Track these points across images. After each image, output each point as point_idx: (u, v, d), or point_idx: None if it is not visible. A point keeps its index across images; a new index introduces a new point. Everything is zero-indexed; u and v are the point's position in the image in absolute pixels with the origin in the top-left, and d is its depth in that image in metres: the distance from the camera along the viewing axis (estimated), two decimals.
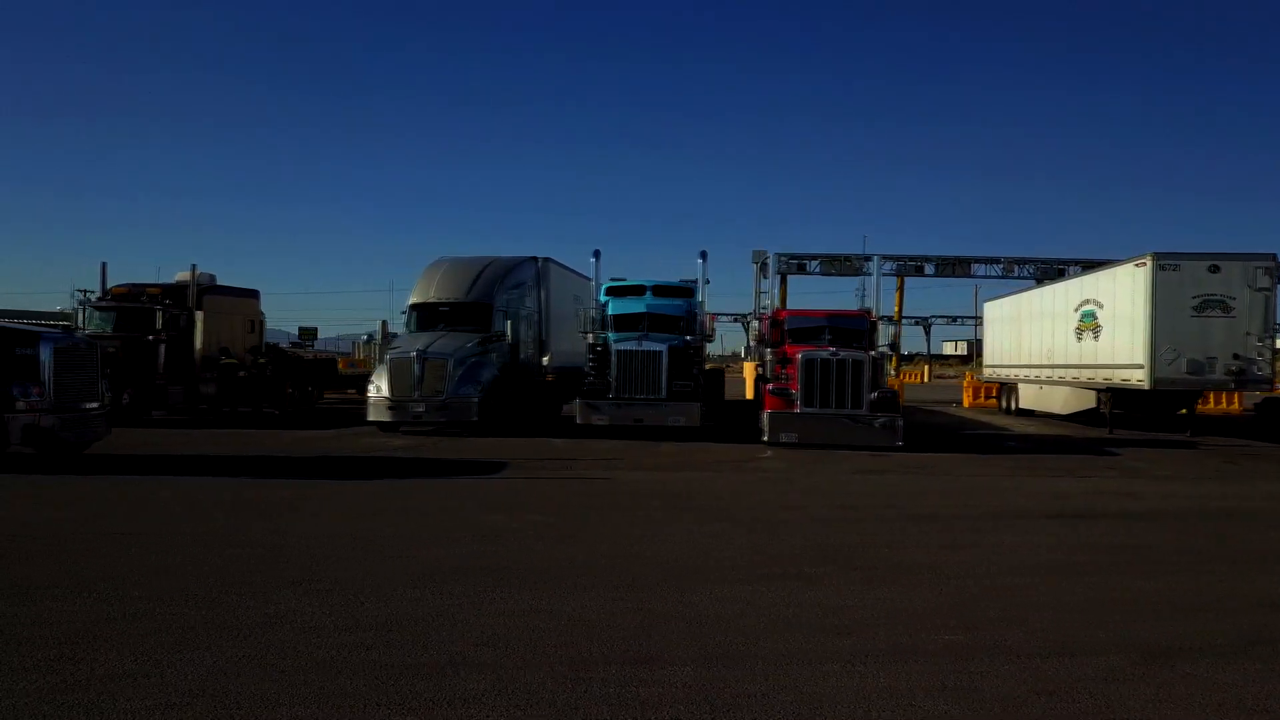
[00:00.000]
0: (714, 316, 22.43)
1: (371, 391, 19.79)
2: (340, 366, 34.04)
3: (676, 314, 21.12)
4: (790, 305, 22.78)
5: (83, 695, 4.47)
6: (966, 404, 36.19)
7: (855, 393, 17.85)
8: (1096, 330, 24.19)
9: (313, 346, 50.17)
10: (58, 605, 6.00)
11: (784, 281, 40.48)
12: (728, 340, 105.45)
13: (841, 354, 18.04)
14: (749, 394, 33.15)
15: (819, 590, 6.82)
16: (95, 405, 14.31)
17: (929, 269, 40.48)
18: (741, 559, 7.90)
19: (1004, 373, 32.37)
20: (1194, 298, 21.07)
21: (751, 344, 21.18)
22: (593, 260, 22.30)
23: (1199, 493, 13.02)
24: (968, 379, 41.62)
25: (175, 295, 22.87)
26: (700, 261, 22.06)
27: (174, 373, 22.07)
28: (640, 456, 16.03)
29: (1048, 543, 9.04)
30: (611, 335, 20.63)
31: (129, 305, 21.98)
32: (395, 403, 19.32)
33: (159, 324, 21.66)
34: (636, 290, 22.26)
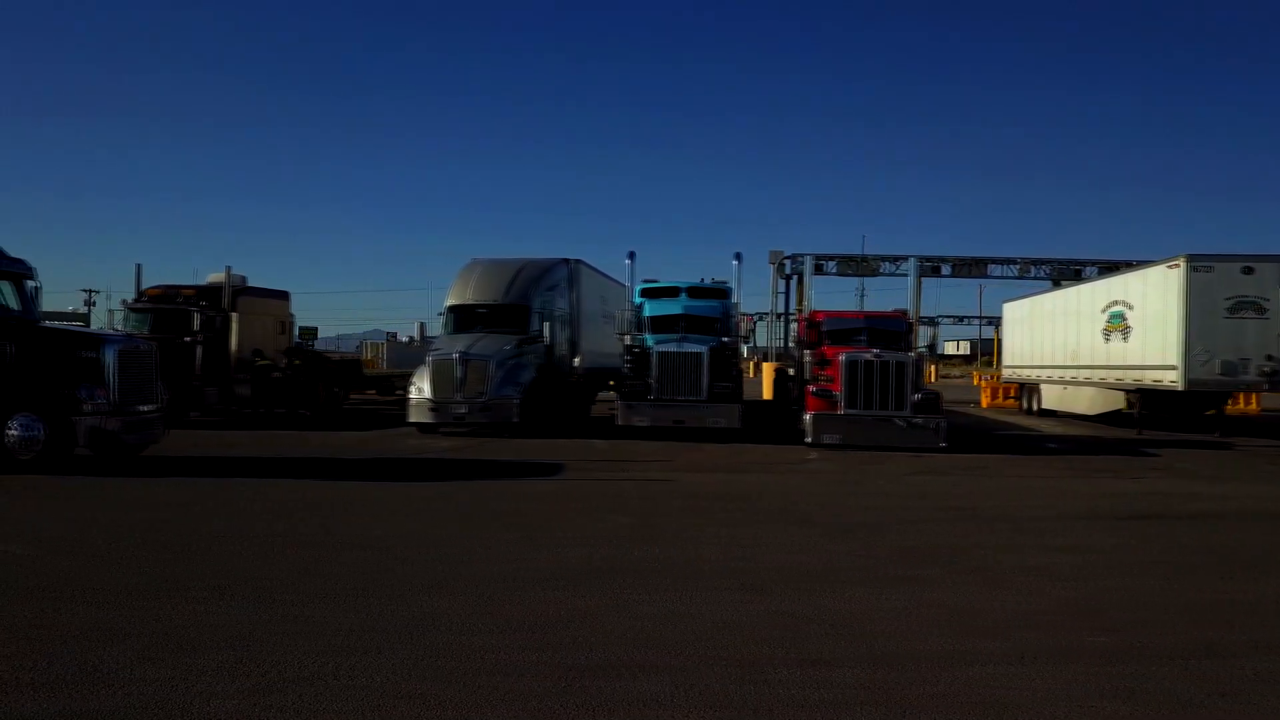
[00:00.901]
0: (750, 318, 22.52)
1: (413, 393, 19.84)
2: (368, 367, 34.04)
3: (713, 315, 21.20)
4: (811, 306, 22.77)
5: (281, 698, 4.54)
6: (985, 404, 36.29)
7: (898, 394, 17.94)
8: (1125, 331, 24.32)
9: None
10: (206, 608, 6.06)
11: (801, 282, 40.51)
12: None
13: (885, 355, 18.13)
14: (766, 394, 33.29)
15: (940, 592, 6.91)
16: (153, 407, 14.35)
17: (945, 269, 40.68)
18: (847, 562, 7.99)
19: (1025, 373, 32.49)
20: (1227, 299, 21.21)
21: (789, 345, 21.25)
22: (627, 262, 22.37)
23: (1256, 493, 13.13)
24: (983, 378, 41.77)
25: (210, 297, 22.90)
26: (735, 263, 22.17)
27: (209, 374, 22.09)
28: (690, 458, 16.11)
29: (1139, 544, 9.13)
30: (649, 337, 20.72)
31: (166, 307, 22.01)
32: (437, 404, 19.38)
33: (196, 325, 21.69)
34: (671, 292, 22.35)
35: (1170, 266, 21.86)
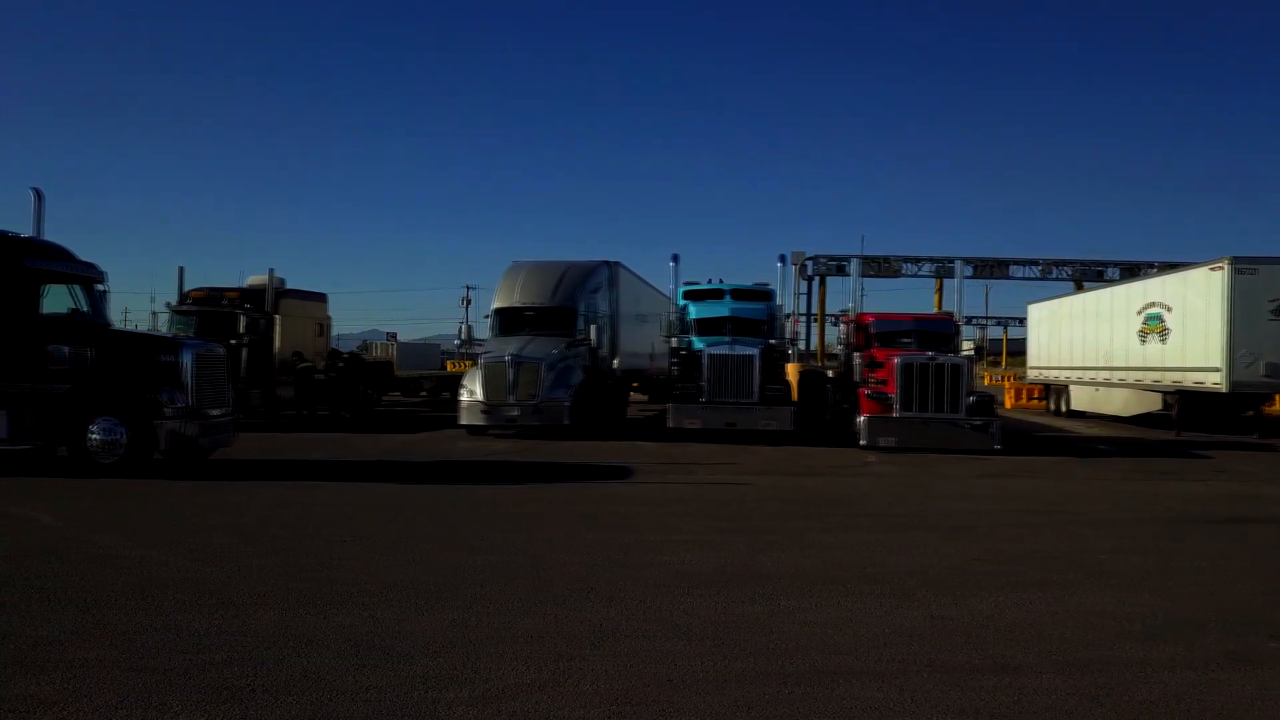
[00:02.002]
0: (797, 320, 22.61)
1: (464, 395, 19.87)
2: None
3: (759, 317, 21.29)
4: (858, 308, 22.82)
5: (510, 705, 4.58)
6: (1009, 405, 36.36)
7: (953, 396, 18.01)
8: (1163, 333, 24.42)
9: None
10: (386, 612, 6.10)
11: (823, 283, 40.74)
12: None
13: (940, 358, 18.21)
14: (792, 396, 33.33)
15: (1084, 597, 6.96)
16: (224, 411, 14.38)
17: (967, 270, 40.67)
18: (975, 566, 8.04)
19: (1053, 374, 32.58)
20: (1271, 301, 21.32)
21: (838, 347, 21.34)
22: (671, 264, 22.43)
23: None
24: (1005, 378, 41.87)
25: (253, 299, 22.94)
26: (779, 265, 22.26)
27: (253, 377, 22.12)
28: (752, 461, 16.16)
29: (1247, 548, 9.21)
30: (695, 339, 20.79)
31: (211, 309, 22.05)
32: (489, 406, 19.41)
33: (241, 328, 21.72)
34: (716, 294, 22.42)
35: (1213, 269, 21.96)
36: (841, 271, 40.14)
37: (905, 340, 20.40)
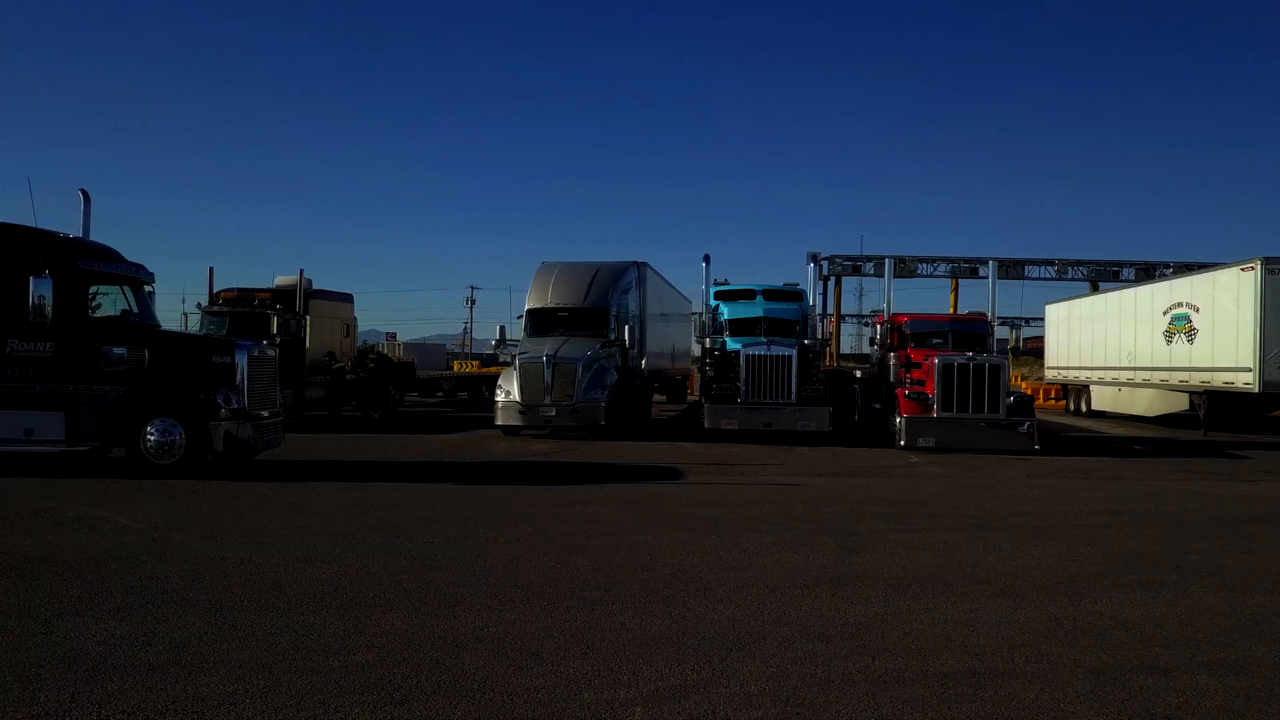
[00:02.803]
0: (831, 320, 22.58)
1: (500, 396, 19.86)
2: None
3: (792, 318, 21.31)
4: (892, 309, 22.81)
5: (681, 705, 4.57)
6: None
7: (992, 397, 18.04)
8: (1191, 334, 24.47)
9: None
10: (512, 614, 6.08)
11: (839, 283, 40.79)
12: None
13: (979, 358, 18.23)
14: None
15: (1198, 597, 6.96)
16: (274, 412, 14.35)
17: (983, 271, 40.73)
18: (1072, 567, 8.02)
19: (1072, 374, 32.66)
20: None
21: (871, 348, 21.38)
22: (703, 265, 22.41)
23: None
24: (1016, 378, 41.91)
25: (283, 300, 22.89)
26: (811, 266, 22.27)
27: (285, 377, 22.02)
28: (797, 462, 16.16)
29: None
30: (730, 339, 20.80)
31: (244, 310, 22.00)
32: (526, 406, 19.41)
33: (273, 329, 21.67)
34: (747, 294, 22.44)
35: (1244, 269, 22.01)
36: (857, 271, 40.19)
37: (938, 341, 20.45)
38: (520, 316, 22.03)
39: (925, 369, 18.84)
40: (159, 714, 4.34)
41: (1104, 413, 30.15)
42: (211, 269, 23.15)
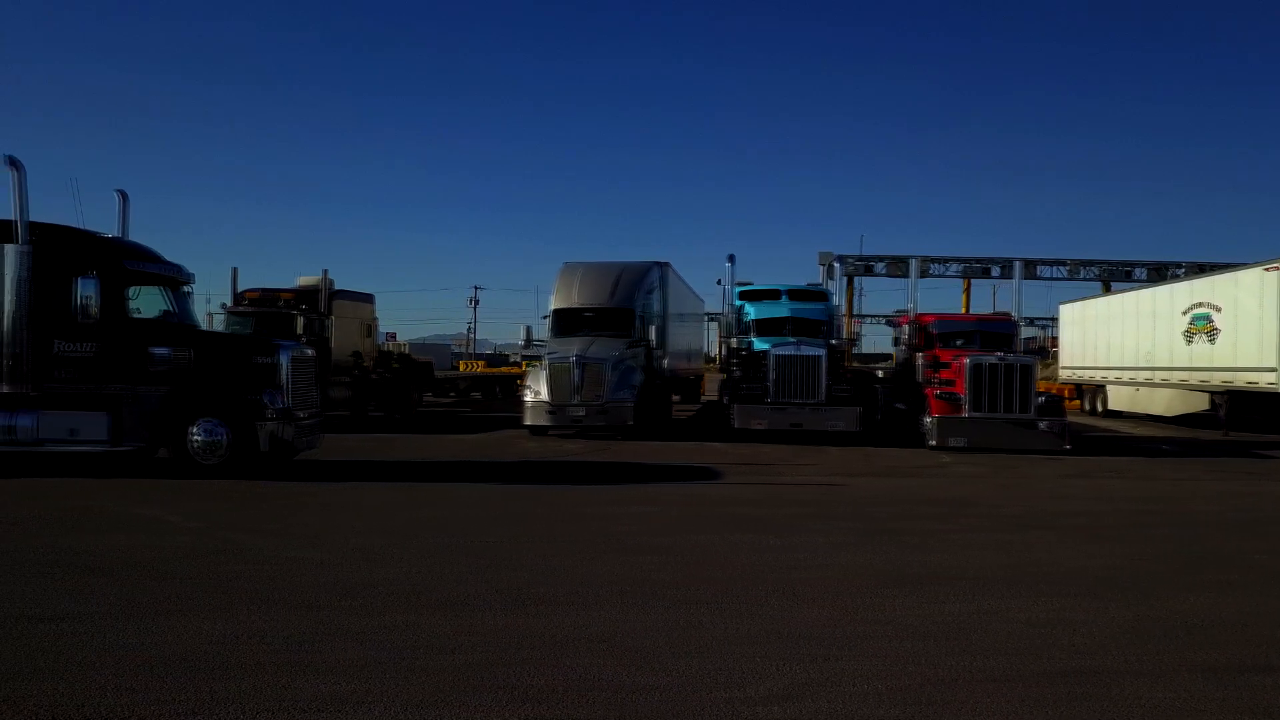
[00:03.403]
0: (859, 321, 22.60)
1: (528, 396, 19.87)
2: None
3: (818, 318, 21.35)
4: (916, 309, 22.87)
5: (810, 705, 4.59)
6: None
7: (1023, 397, 18.08)
8: (1212, 333, 24.51)
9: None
10: (605, 613, 6.10)
11: (851, 283, 40.96)
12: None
13: (1009, 358, 18.28)
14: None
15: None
16: (314, 413, 14.37)
17: (995, 271, 40.97)
18: (1144, 566, 8.06)
19: (1087, 374, 32.68)
20: None
21: (901, 348, 21.44)
22: (727, 265, 22.49)
23: None
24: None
25: (307, 300, 22.90)
26: (836, 265, 22.30)
27: None
28: (830, 462, 16.19)
29: None
30: (756, 339, 20.83)
31: (269, 311, 22.00)
32: (555, 406, 19.42)
33: (299, 329, 21.67)
34: (772, 294, 22.48)
35: (1268, 269, 22.04)
36: (870, 272, 40.26)
37: (961, 341, 20.50)
38: (545, 317, 22.05)
39: (954, 369, 18.87)
40: (301, 711, 4.35)
41: (1120, 412, 30.20)
42: (235, 269, 23.15)
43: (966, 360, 18.20)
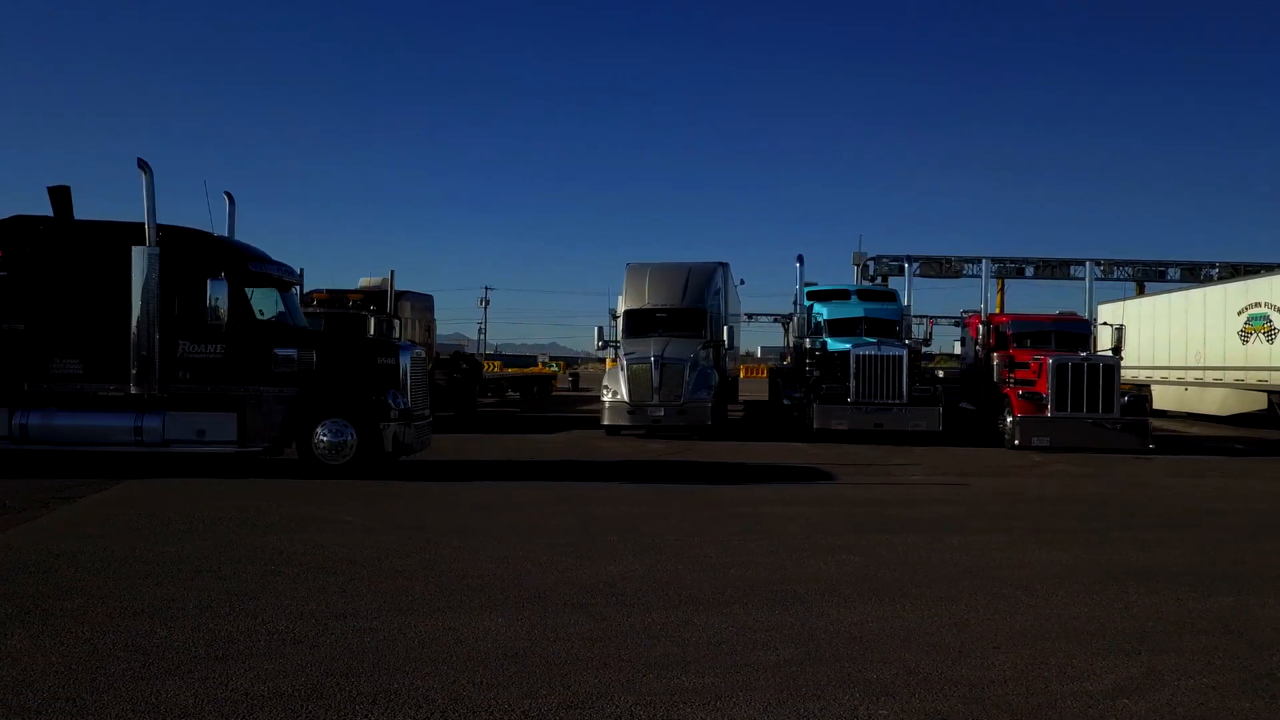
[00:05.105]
0: (931, 321, 22.79)
1: (607, 396, 19.95)
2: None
3: (892, 318, 21.46)
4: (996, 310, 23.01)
5: (1137, 702, 4.69)
6: None
7: (1106, 396, 18.21)
8: (1270, 333, 24.70)
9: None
10: (817, 609, 6.21)
11: (885, 283, 40.88)
12: (765, 338, 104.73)
13: (1092, 358, 18.42)
14: None
15: None
16: (426, 413, 14.42)
17: (1029, 271, 41.19)
18: None
19: (1130, 374, 32.73)
20: None
21: (976, 348, 21.54)
22: (797, 265, 22.57)
23: None
24: None
25: (374, 300, 22.94)
26: (907, 265, 22.41)
27: None
28: (928, 462, 16.27)
29: None
30: (831, 339, 20.93)
31: (340, 312, 22.01)
32: (635, 406, 19.51)
33: (371, 331, 21.71)
34: (841, 294, 22.59)
35: None
36: (902, 272, 40.26)
37: (1031, 341, 20.62)
38: (616, 317, 22.12)
39: (1034, 369, 19.00)
40: (675, 706, 4.43)
41: (1165, 411, 30.34)
42: (301, 270, 23.06)
43: (1050, 360, 18.33)
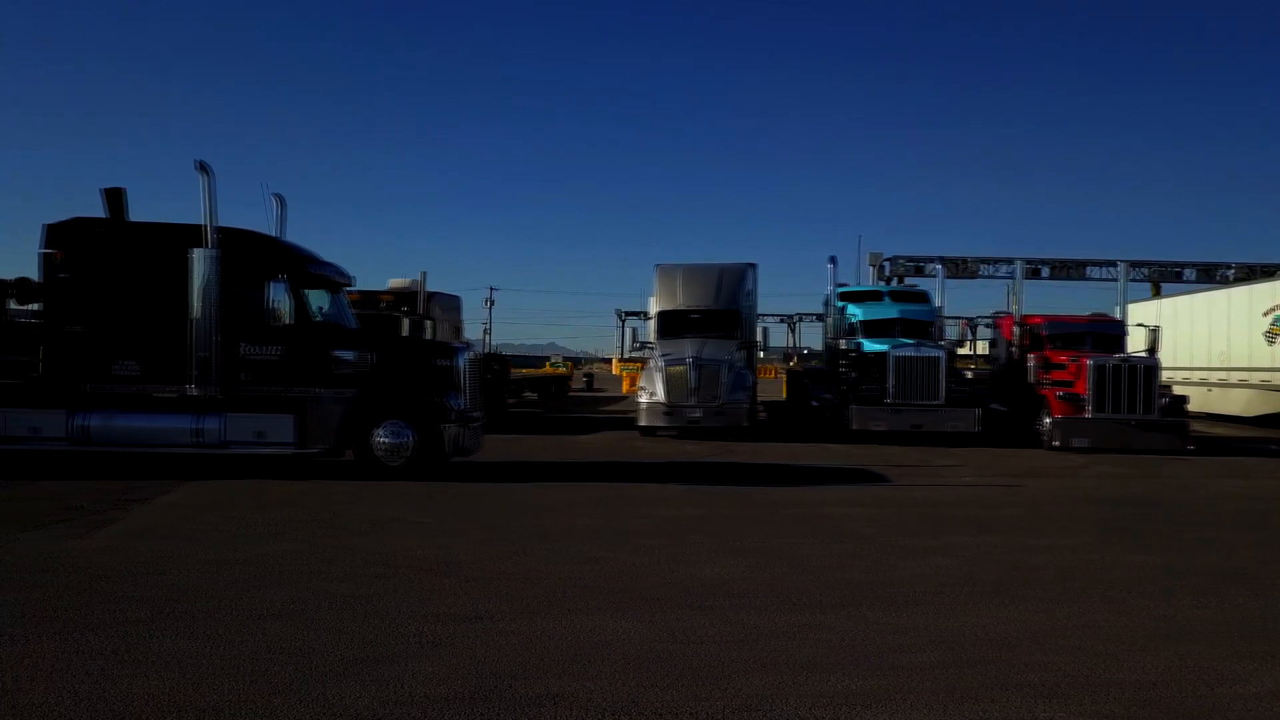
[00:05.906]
0: (966, 322, 22.80)
1: (643, 397, 19.95)
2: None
3: (927, 319, 21.50)
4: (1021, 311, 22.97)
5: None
6: None
7: (1146, 398, 18.26)
8: None
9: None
10: (993, 612, 6.24)
11: (901, 284, 40.97)
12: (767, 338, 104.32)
13: (1131, 359, 18.48)
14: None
15: None
16: (480, 415, 14.43)
17: (1045, 271, 41.23)
18: None
19: None
20: None
21: (1011, 349, 21.56)
22: (829, 267, 22.61)
23: None
24: None
25: (405, 301, 22.96)
26: (938, 265, 22.43)
27: None
28: (973, 463, 16.30)
29: None
30: (865, 340, 20.96)
31: (372, 313, 21.98)
32: (672, 407, 19.51)
33: (404, 331, 21.71)
34: (874, 295, 22.63)
35: None
36: (920, 273, 40.44)
37: (1062, 342, 20.64)
38: (649, 318, 22.13)
39: (1072, 370, 19.05)
40: (839, 708, 4.46)
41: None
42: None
43: (1089, 361, 18.38)
